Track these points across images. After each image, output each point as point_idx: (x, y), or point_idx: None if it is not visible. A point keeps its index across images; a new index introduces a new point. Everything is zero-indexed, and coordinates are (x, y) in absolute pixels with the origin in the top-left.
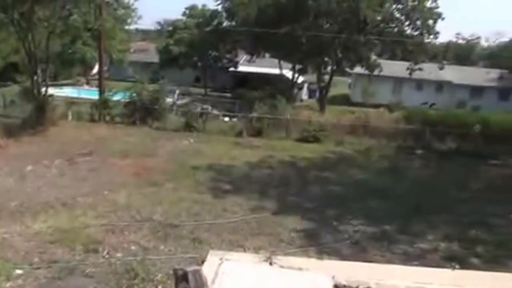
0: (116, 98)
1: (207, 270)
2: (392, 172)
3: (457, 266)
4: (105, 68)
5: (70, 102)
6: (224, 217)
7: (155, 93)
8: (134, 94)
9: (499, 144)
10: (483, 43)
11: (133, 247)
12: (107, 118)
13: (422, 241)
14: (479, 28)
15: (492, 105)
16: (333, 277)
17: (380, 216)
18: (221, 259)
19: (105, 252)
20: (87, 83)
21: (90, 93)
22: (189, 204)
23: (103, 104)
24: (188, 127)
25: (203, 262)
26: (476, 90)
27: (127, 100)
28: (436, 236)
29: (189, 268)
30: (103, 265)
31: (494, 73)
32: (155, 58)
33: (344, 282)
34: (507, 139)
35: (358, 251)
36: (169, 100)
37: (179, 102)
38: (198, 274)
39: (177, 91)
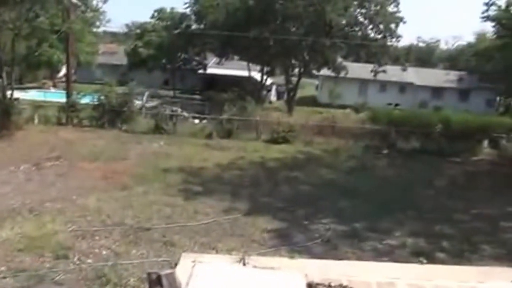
0: (84, 101)
1: (181, 273)
2: (360, 171)
3: (424, 261)
4: (73, 70)
5: (37, 106)
6: (196, 219)
7: (123, 95)
8: (102, 97)
9: (459, 143)
10: (443, 46)
11: (104, 252)
12: (75, 121)
13: (390, 238)
14: (439, 31)
15: (452, 105)
16: (305, 275)
17: (349, 214)
18: (194, 261)
19: (75, 258)
20: (54, 86)
21: (56, 96)
22: (160, 207)
23: (70, 107)
24: (158, 129)
25: (176, 265)
26: (437, 91)
27: (95, 103)
28: (403, 232)
29: (163, 272)
30: (74, 271)
31: (453, 74)
32: (123, 61)
33: (316, 280)
34: (467, 138)
35: (330, 249)
36: (138, 102)
37: (148, 104)
38: (171, 277)
39: (146, 94)
